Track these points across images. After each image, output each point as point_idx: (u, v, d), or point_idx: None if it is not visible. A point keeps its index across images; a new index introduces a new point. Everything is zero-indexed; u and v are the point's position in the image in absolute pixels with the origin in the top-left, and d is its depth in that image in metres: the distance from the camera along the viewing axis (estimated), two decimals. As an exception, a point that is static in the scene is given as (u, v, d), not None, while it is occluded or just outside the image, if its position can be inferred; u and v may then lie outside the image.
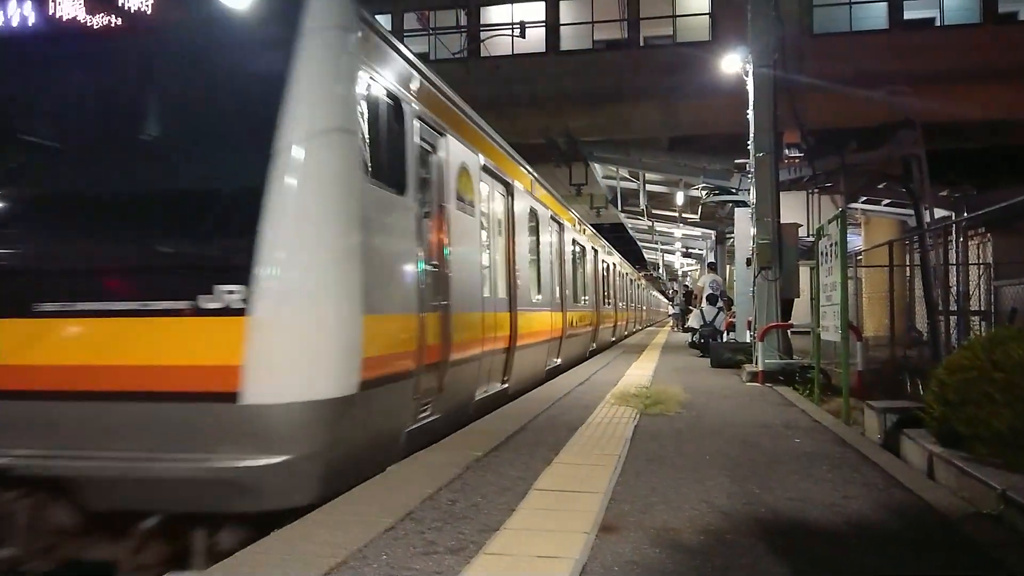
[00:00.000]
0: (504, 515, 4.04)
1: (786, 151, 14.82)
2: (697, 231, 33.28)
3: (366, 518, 3.95)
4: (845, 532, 3.80)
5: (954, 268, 13.40)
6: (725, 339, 16.27)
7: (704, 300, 18.26)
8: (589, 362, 15.09)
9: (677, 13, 22.46)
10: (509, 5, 23.36)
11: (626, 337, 26.69)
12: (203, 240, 4.40)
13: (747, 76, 12.26)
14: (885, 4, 20.78)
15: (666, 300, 64.53)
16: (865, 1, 21.15)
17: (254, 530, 4.07)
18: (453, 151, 6.95)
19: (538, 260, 11.57)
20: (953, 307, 12.00)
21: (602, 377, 11.63)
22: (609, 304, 21.93)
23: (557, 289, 12.92)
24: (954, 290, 12.54)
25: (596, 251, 19.36)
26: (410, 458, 5.48)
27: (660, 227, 35.12)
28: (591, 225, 20.66)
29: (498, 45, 22.88)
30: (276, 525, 3.92)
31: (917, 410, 5.78)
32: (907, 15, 20.88)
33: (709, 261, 26.82)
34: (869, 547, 3.57)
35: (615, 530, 3.79)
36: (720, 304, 17.75)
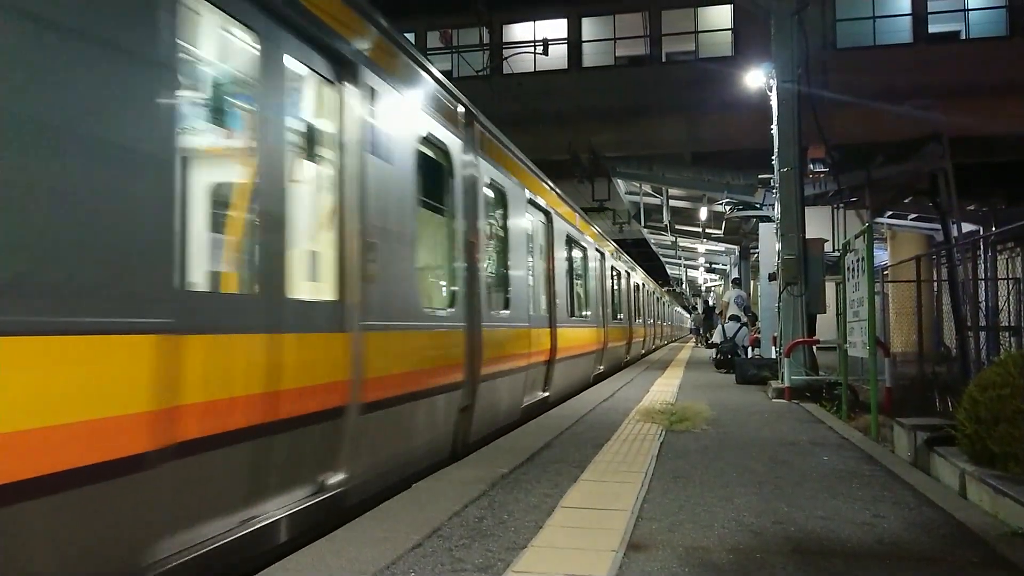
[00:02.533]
0: (532, 532, 4.03)
1: (811, 166, 14.74)
2: (721, 246, 33.22)
3: (394, 535, 3.96)
4: (877, 552, 3.75)
5: (983, 283, 13.23)
6: (750, 355, 16.15)
7: (727, 317, 18.13)
8: (613, 378, 15.02)
9: (699, 29, 22.51)
10: (531, 23, 23.55)
11: (644, 355, 26.16)
12: None
13: (770, 91, 12.23)
14: (910, 18, 20.70)
15: (689, 316, 64.25)
16: (890, 15, 21.07)
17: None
18: None
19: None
20: (982, 323, 11.83)
21: (626, 394, 11.59)
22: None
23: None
24: (983, 305, 12.36)
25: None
26: (437, 474, 5.50)
27: (683, 242, 35.08)
28: (614, 240, 20.54)
29: (521, 63, 23.04)
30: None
31: (948, 427, 5.71)
32: (932, 28, 20.79)
33: (733, 277, 26.66)
34: (902, 567, 3.51)
35: (644, 548, 3.77)
36: (744, 320, 17.63)
